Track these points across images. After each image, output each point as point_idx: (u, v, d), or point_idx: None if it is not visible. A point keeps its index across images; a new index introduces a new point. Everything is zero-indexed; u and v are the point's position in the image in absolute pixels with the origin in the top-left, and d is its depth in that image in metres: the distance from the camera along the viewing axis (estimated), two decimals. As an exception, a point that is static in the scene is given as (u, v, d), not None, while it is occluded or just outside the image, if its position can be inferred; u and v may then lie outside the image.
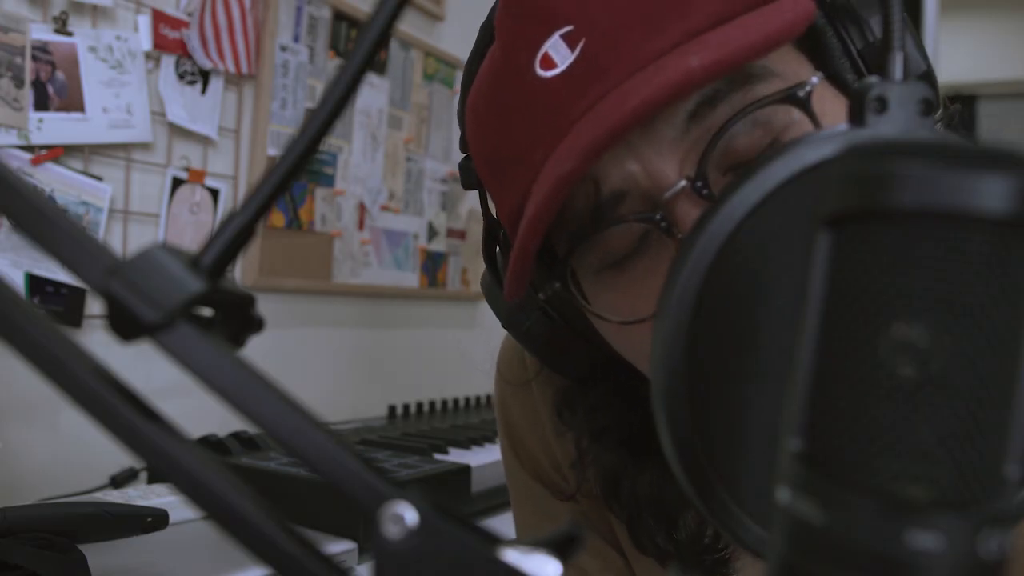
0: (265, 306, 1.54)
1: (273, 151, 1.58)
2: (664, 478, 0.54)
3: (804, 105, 0.41)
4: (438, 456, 1.32)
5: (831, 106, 0.43)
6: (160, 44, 1.38)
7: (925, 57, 0.45)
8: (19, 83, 1.20)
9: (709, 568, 0.55)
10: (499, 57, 0.46)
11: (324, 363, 1.74)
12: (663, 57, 0.39)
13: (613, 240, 0.44)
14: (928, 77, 0.45)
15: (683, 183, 0.41)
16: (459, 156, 0.56)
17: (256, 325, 0.27)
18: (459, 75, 2.07)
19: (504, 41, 0.45)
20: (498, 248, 0.56)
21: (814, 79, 0.41)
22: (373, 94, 1.82)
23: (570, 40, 0.42)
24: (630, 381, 0.54)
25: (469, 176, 0.54)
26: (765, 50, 0.38)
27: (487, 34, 0.50)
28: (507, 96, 0.45)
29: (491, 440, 1.45)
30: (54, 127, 1.24)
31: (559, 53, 0.42)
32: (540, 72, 0.42)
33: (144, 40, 1.36)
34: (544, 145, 0.42)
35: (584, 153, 0.39)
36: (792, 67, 0.43)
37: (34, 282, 1.22)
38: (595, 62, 0.41)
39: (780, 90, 0.41)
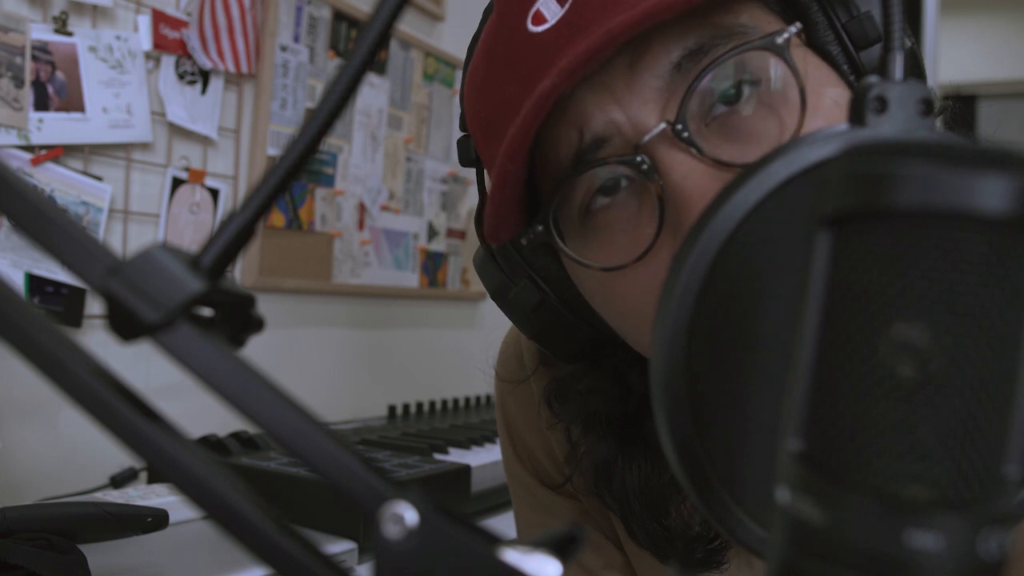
0: (265, 306, 1.53)
1: (273, 151, 1.58)
2: (654, 467, 0.55)
3: (782, 52, 0.42)
4: (438, 456, 1.32)
5: (814, 71, 0.44)
6: (160, 44, 1.38)
7: (909, 34, 0.46)
8: (19, 83, 1.20)
9: (702, 559, 0.55)
10: (495, 21, 0.47)
11: (324, 363, 1.74)
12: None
13: (596, 188, 0.45)
14: (911, 55, 0.46)
15: (663, 125, 0.42)
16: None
17: (256, 325, 0.27)
18: (459, 75, 2.07)
19: (500, 5, 0.47)
20: None
21: (792, 28, 0.42)
22: (373, 94, 1.82)
23: None
24: (619, 365, 0.55)
25: (467, 152, 0.55)
26: None
27: (488, 13, 0.51)
28: (501, 57, 0.46)
29: (491, 440, 1.45)
30: (54, 127, 1.24)
31: (549, 9, 0.43)
32: (531, 28, 0.44)
33: (144, 40, 1.36)
34: (532, 93, 0.42)
35: (563, 71, 0.40)
36: (776, 30, 0.44)
37: (34, 282, 1.22)
38: (583, 14, 0.42)
39: (759, 37, 0.42)
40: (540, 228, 0.47)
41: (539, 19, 0.43)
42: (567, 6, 0.43)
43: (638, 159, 0.42)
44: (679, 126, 0.42)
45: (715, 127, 0.43)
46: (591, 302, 0.50)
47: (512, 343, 0.69)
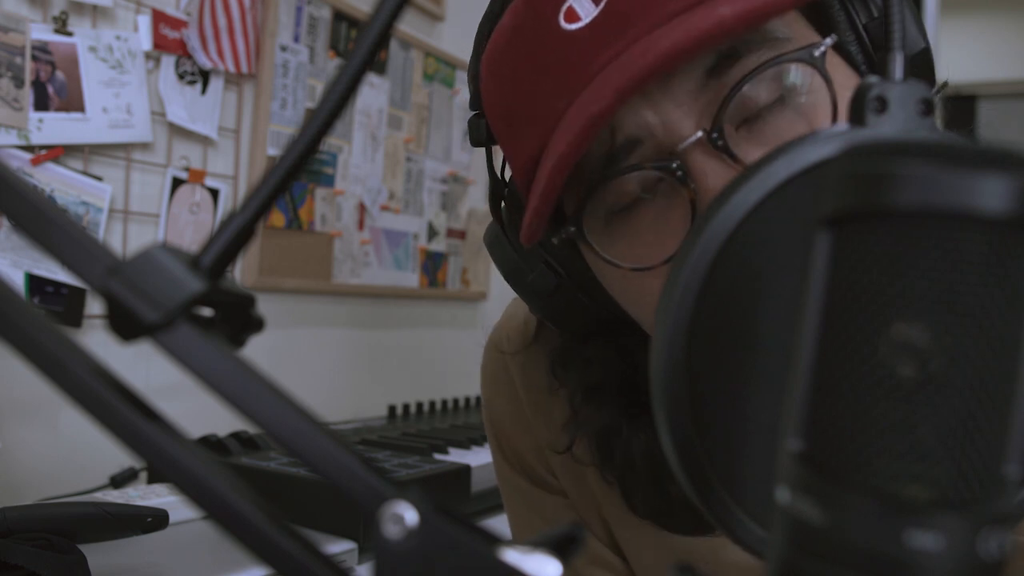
0: (265, 306, 1.53)
1: (273, 151, 1.58)
2: (656, 436, 0.55)
3: (818, 65, 0.42)
4: (438, 456, 1.32)
5: (840, 75, 0.44)
6: (160, 44, 1.38)
7: (924, 35, 0.46)
8: (19, 83, 1.20)
9: (705, 525, 0.55)
10: (522, 11, 0.46)
11: (324, 363, 1.74)
12: (688, 11, 0.40)
13: (626, 189, 0.45)
14: (925, 56, 0.46)
15: (699, 134, 0.42)
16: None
17: (256, 325, 0.27)
18: (459, 75, 2.07)
19: None
20: (503, 204, 0.57)
21: (828, 40, 0.43)
22: (373, 94, 1.82)
23: None
24: (629, 341, 0.55)
25: (479, 133, 0.54)
26: (793, 3, 0.39)
27: None
28: (529, 49, 0.46)
29: (491, 440, 1.45)
30: (54, 127, 1.24)
31: (583, 7, 0.43)
32: (564, 25, 0.43)
33: (144, 40, 1.36)
34: (567, 94, 0.42)
35: (619, 92, 0.40)
36: (806, 36, 0.45)
37: (34, 282, 1.22)
38: (620, 15, 0.42)
39: (797, 48, 0.43)
40: (572, 229, 0.47)
41: (572, 16, 0.43)
42: (602, 5, 0.43)
43: (673, 165, 0.43)
44: (715, 134, 0.42)
45: (746, 134, 0.43)
46: (612, 294, 0.50)
47: (506, 320, 0.69)
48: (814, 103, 0.43)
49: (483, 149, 0.54)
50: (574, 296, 0.54)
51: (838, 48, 0.45)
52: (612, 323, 0.54)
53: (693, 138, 0.42)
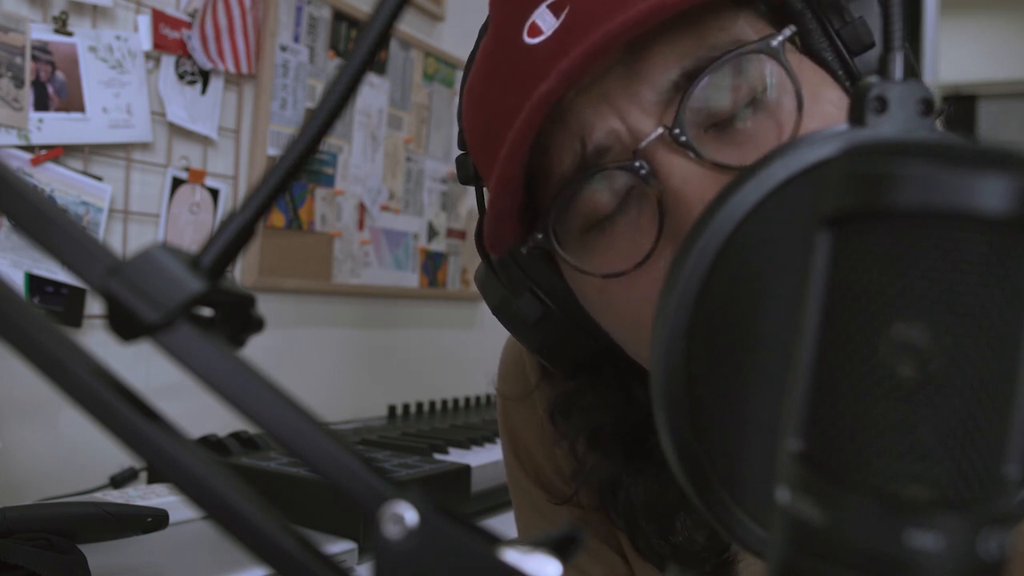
0: (265, 306, 1.54)
1: (273, 151, 1.58)
2: (659, 482, 0.54)
3: (777, 55, 0.42)
4: (438, 456, 1.32)
5: (810, 75, 0.44)
6: (160, 44, 1.38)
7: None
8: (19, 83, 1.20)
9: (713, 572, 0.55)
10: (491, 36, 0.47)
11: (324, 363, 1.74)
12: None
13: (596, 197, 0.45)
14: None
15: (660, 130, 0.42)
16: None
17: (256, 325, 0.27)
18: (459, 75, 2.07)
19: (496, 19, 0.47)
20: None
21: (786, 31, 0.43)
22: (373, 94, 1.82)
23: (555, 9, 0.43)
24: (622, 377, 0.54)
25: (465, 171, 0.55)
26: None
27: (484, 33, 0.51)
28: (497, 70, 0.46)
29: (491, 440, 1.45)
30: (54, 127, 1.24)
31: (545, 21, 0.44)
32: (527, 40, 0.44)
33: (144, 40, 1.35)
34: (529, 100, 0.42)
35: (561, 74, 0.40)
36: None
37: (34, 282, 1.22)
38: (577, 25, 0.42)
39: (754, 41, 0.43)
40: (540, 236, 0.46)
41: (535, 31, 0.44)
42: (562, 17, 0.43)
43: (636, 164, 0.42)
44: (676, 130, 0.42)
45: (713, 133, 0.43)
46: (590, 311, 0.50)
47: (514, 356, 0.69)
48: (779, 96, 0.43)
49: None
50: (562, 324, 0.53)
51: (810, 51, 0.45)
52: (603, 354, 0.54)
53: (654, 135, 0.42)
